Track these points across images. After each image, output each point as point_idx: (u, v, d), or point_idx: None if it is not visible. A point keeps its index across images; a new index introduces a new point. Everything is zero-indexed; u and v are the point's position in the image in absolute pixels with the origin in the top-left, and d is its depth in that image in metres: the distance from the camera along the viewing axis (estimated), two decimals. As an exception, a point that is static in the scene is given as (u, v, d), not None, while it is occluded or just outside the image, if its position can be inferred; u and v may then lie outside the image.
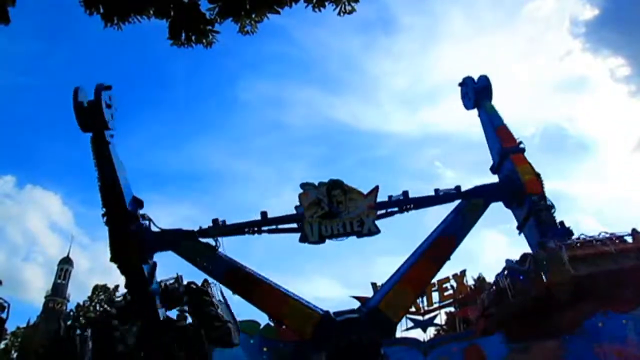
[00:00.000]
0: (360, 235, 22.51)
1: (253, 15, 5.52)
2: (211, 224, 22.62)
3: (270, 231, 22.92)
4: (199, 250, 22.17)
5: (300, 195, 23.25)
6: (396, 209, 23.79)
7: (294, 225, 23.28)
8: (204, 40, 5.62)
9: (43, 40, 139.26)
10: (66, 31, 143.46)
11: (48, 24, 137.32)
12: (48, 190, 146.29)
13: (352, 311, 23.48)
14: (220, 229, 22.50)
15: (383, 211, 23.79)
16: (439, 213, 24.51)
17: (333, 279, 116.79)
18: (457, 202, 24.70)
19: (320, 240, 22.68)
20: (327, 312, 22.10)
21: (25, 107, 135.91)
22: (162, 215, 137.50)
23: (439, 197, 23.97)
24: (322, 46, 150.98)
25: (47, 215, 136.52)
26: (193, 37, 5.60)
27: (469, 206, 24.43)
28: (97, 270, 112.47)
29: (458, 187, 24.59)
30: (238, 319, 37.38)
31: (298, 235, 23.36)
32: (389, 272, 25.40)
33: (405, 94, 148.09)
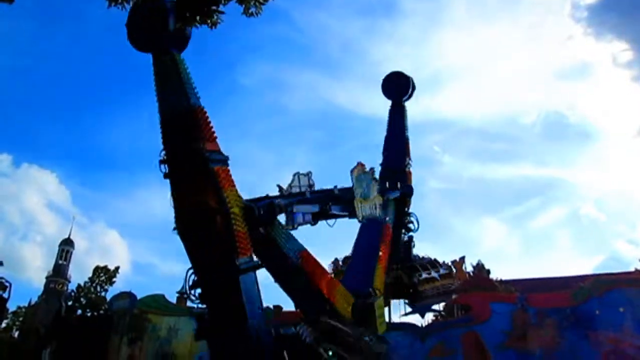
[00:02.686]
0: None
1: (258, -3, 5.50)
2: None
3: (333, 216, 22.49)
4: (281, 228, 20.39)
5: (351, 171, 22.97)
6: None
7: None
8: (209, 21, 5.64)
9: (43, 21, 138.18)
10: (66, 12, 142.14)
11: (48, 4, 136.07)
12: (44, 169, 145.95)
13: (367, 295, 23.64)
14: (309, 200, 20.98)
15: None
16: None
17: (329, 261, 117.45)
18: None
19: (362, 219, 23.26)
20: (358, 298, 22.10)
21: (23, 87, 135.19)
22: (160, 197, 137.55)
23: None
24: (322, 29, 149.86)
25: (44, 195, 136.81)
26: (198, 18, 5.59)
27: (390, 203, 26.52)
28: (95, 250, 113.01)
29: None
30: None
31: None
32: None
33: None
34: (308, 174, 22.49)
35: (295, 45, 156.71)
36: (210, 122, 14.71)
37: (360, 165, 23.88)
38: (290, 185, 22.30)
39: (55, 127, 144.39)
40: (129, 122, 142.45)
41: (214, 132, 14.70)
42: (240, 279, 14.50)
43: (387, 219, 26.29)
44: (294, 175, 22.61)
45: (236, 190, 14.82)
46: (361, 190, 23.14)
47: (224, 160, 14.85)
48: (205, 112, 14.54)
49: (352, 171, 23.25)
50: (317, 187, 22.58)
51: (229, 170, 14.76)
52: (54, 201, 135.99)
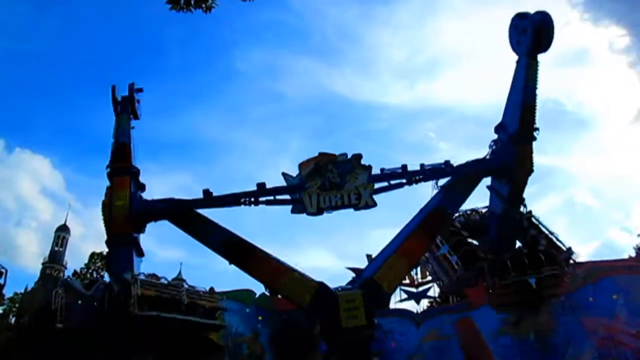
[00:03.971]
0: (356, 208, 21.97)
1: (253, -20, 5.39)
2: (202, 195, 22.54)
3: (268, 202, 22.47)
4: (195, 220, 22.14)
5: (300, 165, 22.43)
6: (404, 180, 22.57)
7: (287, 197, 22.43)
8: (204, 5, 5.50)
9: (36, 6, 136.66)
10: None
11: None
12: (37, 154, 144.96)
13: (351, 282, 23.41)
14: (215, 199, 22.38)
15: (385, 184, 22.66)
16: (429, 186, 23.41)
17: (327, 250, 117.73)
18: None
19: (318, 212, 22.07)
20: (322, 282, 21.91)
21: (16, 71, 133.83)
22: (156, 184, 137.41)
23: (436, 172, 22.68)
24: (319, 15, 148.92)
25: (37, 180, 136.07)
26: (192, 2, 5.48)
27: (461, 181, 22.70)
28: (91, 236, 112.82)
29: (447, 162, 22.32)
30: (233, 288, 37.94)
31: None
32: (383, 244, 25.26)
33: (403, 65, 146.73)
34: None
35: (292, 31, 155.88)
36: (126, 149, 22.18)
37: (323, 155, 22.50)
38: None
39: (49, 112, 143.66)
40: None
41: (126, 155, 22.07)
42: (110, 251, 20.38)
43: (442, 205, 22.50)
44: None
45: (125, 191, 20.96)
46: (321, 181, 21.99)
47: (127, 172, 21.66)
48: (125, 145, 22.29)
49: (301, 164, 22.18)
50: None
51: (125, 179, 21.40)
52: (48, 187, 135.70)
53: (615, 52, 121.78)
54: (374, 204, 21.97)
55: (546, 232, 30.58)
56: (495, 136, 24.30)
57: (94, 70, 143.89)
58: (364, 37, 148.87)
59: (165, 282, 19.11)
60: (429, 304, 36.96)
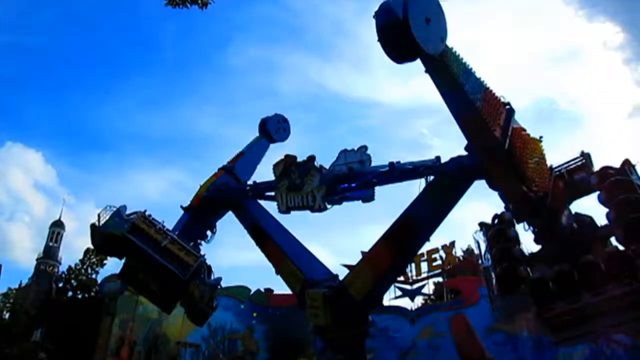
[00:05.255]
0: (312, 210, 22.09)
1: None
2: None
3: (260, 197, 24.40)
4: (239, 206, 25.30)
5: (273, 165, 23.16)
6: (354, 185, 21.93)
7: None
8: (200, 1, 5.51)
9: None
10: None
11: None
12: (29, 148, 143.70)
13: (333, 281, 23.48)
14: (234, 192, 25.46)
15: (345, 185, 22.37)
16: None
17: (323, 246, 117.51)
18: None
19: (287, 211, 22.78)
20: (314, 277, 22.17)
21: (8, 65, 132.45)
22: (151, 178, 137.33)
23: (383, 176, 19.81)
24: (314, 10, 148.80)
25: (30, 174, 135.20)
26: (188, -2, 5.48)
27: (439, 183, 18.23)
28: (85, 232, 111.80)
29: (438, 158, 17.83)
30: (229, 284, 38.09)
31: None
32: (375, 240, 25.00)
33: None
34: (360, 149, 21.74)
35: (287, 27, 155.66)
36: (238, 156, 26.67)
37: (288, 157, 22.86)
38: (333, 165, 22.14)
39: (41, 105, 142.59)
40: (117, 102, 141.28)
41: (236, 159, 26.39)
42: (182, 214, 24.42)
43: (411, 213, 18.49)
44: (340, 152, 22.22)
45: (212, 179, 25.18)
46: (288, 181, 22.47)
47: (226, 169, 25.79)
48: (241, 153, 26.80)
49: (274, 165, 22.94)
50: None
51: (220, 172, 25.56)
52: (40, 181, 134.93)
53: (610, 49, 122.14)
54: (325, 208, 21.66)
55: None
56: None
57: (88, 64, 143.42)
58: (359, 34, 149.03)
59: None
60: (423, 302, 37.16)
